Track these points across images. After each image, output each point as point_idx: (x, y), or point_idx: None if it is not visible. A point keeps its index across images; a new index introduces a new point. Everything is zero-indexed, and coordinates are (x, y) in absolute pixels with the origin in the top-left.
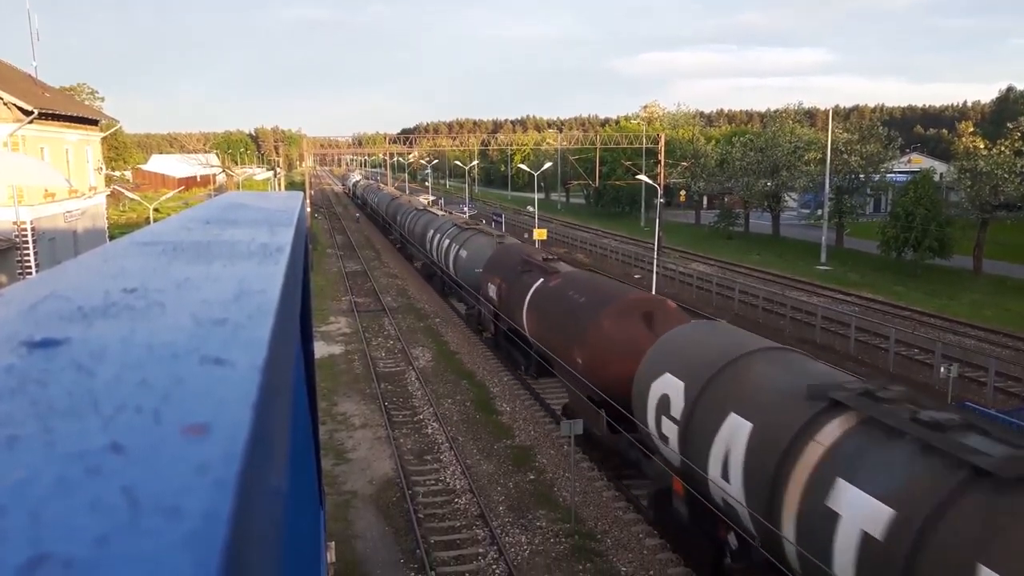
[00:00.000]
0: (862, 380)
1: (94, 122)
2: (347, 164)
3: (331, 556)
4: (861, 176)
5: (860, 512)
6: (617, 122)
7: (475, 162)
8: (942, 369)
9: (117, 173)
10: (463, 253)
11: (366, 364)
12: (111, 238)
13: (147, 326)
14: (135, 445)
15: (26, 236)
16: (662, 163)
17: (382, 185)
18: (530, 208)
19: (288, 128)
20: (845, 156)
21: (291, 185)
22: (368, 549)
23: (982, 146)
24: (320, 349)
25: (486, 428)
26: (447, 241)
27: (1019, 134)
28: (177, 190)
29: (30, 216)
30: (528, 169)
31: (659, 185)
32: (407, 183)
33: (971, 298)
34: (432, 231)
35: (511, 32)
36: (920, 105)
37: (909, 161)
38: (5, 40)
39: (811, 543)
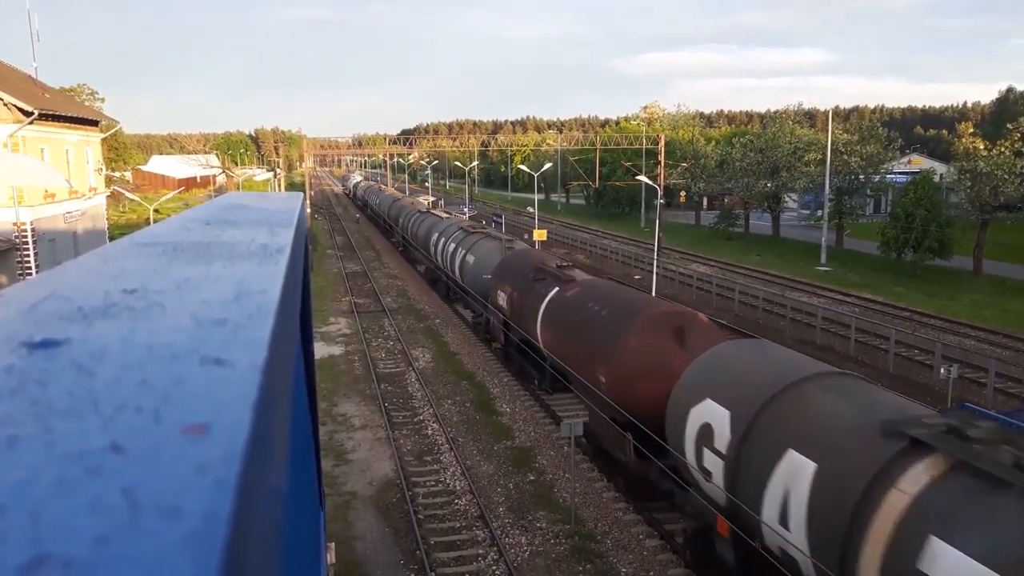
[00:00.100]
0: (939, 412)
1: (94, 123)
2: (347, 165)
3: (331, 557)
4: (861, 177)
5: None
6: (617, 123)
7: (475, 163)
8: (942, 370)
9: (117, 174)
10: (470, 258)
11: (366, 365)
12: (111, 239)
13: (147, 326)
14: (135, 445)
15: (26, 237)
16: (662, 164)
17: (383, 186)
18: (530, 209)
19: (288, 129)
20: (845, 157)
21: (291, 186)
22: (368, 550)
23: (982, 147)
24: (320, 350)
25: (486, 429)
26: (452, 245)
27: (1019, 135)
28: (177, 191)
29: (30, 217)
30: (528, 170)
31: (659, 186)
32: (407, 184)
33: (971, 299)
34: (436, 235)
35: (511, 32)
36: (920, 106)
37: (909, 162)
38: (5, 41)
39: None
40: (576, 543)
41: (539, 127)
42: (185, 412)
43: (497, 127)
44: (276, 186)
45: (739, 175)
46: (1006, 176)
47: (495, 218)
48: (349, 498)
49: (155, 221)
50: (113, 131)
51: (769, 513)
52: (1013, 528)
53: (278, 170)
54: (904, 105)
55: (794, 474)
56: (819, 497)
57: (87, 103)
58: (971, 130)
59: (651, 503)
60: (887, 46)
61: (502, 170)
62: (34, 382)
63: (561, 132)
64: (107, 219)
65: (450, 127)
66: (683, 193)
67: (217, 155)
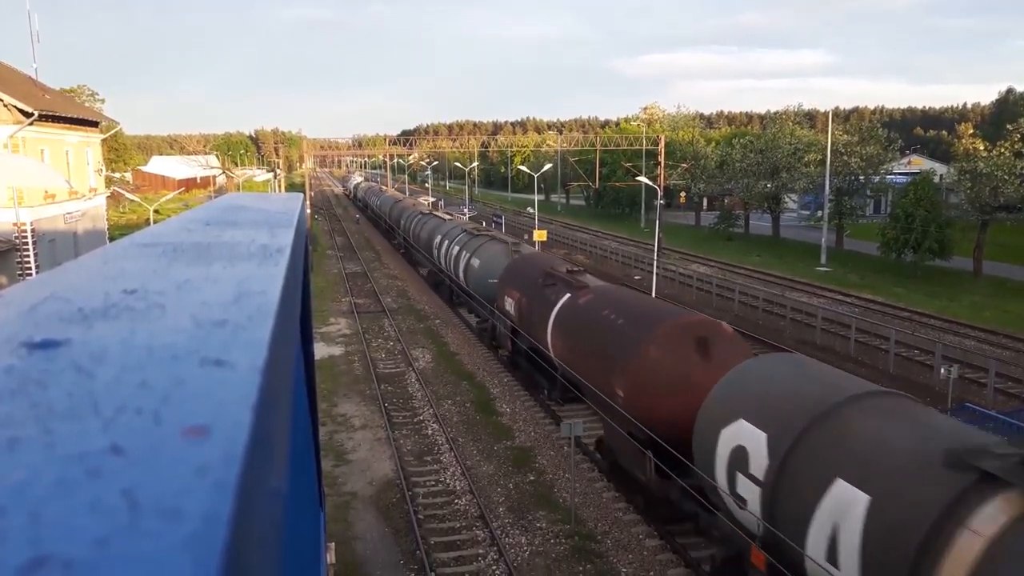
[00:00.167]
0: (1007, 439)
1: (94, 124)
2: (347, 166)
3: (331, 557)
4: (861, 178)
5: None
6: (617, 124)
7: (475, 163)
8: (942, 370)
9: (117, 175)
10: (475, 262)
11: (366, 365)
12: (111, 239)
13: (147, 327)
14: (135, 447)
15: (26, 237)
16: (662, 165)
17: (384, 187)
18: (530, 209)
19: (288, 130)
20: (845, 158)
21: (291, 187)
22: (368, 550)
23: (982, 148)
24: (320, 350)
25: (486, 429)
26: (456, 248)
27: (1019, 135)
28: (177, 191)
29: (30, 217)
30: (528, 171)
31: (659, 187)
32: (407, 185)
33: (971, 299)
34: (440, 237)
35: (511, 32)
36: (920, 107)
37: (909, 163)
38: (5, 41)
39: None
40: (576, 543)
41: (539, 128)
42: (185, 413)
43: (497, 128)
44: (276, 187)
45: (739, 176)
46: (1006, 177)
47: (495, 219)
48: (349, 498)
49: (155, 222)
50: (113, 132)
51: (814, 548)
52: None
53: (278, 171)
54: (904, 106)
55: (844, 507)
56: (875, 534)
57: (87, 104)
58: (971, 131)
59: (673, 525)
60: (887, 47)
61: (502, 171)
62: (34, 383)
63: (561, 133)
64: (107, 220)
65: (450, 128)
66: (683, 194)
67: (217, 156)
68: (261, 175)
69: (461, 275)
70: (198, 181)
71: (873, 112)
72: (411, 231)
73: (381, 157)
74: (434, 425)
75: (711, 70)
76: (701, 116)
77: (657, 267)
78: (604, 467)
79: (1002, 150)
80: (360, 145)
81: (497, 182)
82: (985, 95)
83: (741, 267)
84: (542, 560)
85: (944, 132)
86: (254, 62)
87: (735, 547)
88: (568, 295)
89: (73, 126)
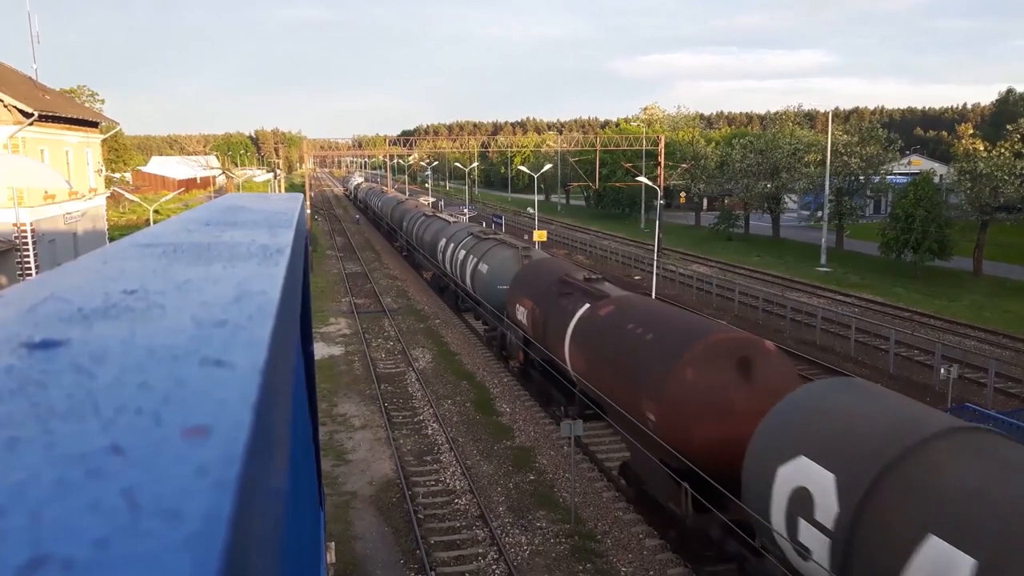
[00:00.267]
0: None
1: (94, 124)
2: (347, 166)
3: (331, 557)
4: (861, 178)
5: None
6: (617, 124)
7: (475, 164)
8: (942, 370)
9: (117, 175)
10: (483, 267)
11: (366, 365)
12: (111, 240)
13: (147, 328)
14: (135, 447)
15: (26, 238)
16: (662, 165)
17: (386, 188)
18: (530, 210)
19: (288, 130)
20: (845, 158)
21: (291, 187)
22: (368, 550)
23: (982, 148)
24: (320, 350)
25: (486, 429)
26: (463, 252)
27: (1019, 136)
28: (177, 192)
29: (30, 218)
30: (528, 171)
31: (659, 187)
32: (407, 185)
33: (971, 299)
34: (444, 240)
35: (511, 33)
36: (920, 107)
37: (909, 163)
38: (5, 42)
39: None
40: (576, 542)
41: (539, 128)
42: (185, 414)
43: (497, 128)
44: (276, 187)
45: (739, 176)
46: (1006, 177)
47: (495, 219)
48: (349, 498)
49: (155, 222)
50: (113, 132)
51: None
52: None
53: (278, 171)
54: (904, 106)
55: (943, 568)
56: None
57: (87, 104)
58: (971, 131)
59: (713, 566)
60: (887, 47)
61: (502, 171)
62: (34, 383)
63: (561, 133)
64: (107, 220)
65: (450, 128)
66: (683, 194)
67: (217, 156)
68: (261, 175)
69: (468, 281)
70: (198, 181)
71: (873, 112)
72: (414, 233)
73: (381, 157)
74: (434, 425)
75: (711, 70)
76: (701, 116)
77: (657, 267)
78: (630, 495)
79: (1002, 150)
80: (360, 145)
81: (497, 182)
82: (985, 95)
83: (741, 267)
84: (542, 560)
85: (944, 132)
86: (254, 62)
87: None
88: (587, 305)
89: (73, 126)
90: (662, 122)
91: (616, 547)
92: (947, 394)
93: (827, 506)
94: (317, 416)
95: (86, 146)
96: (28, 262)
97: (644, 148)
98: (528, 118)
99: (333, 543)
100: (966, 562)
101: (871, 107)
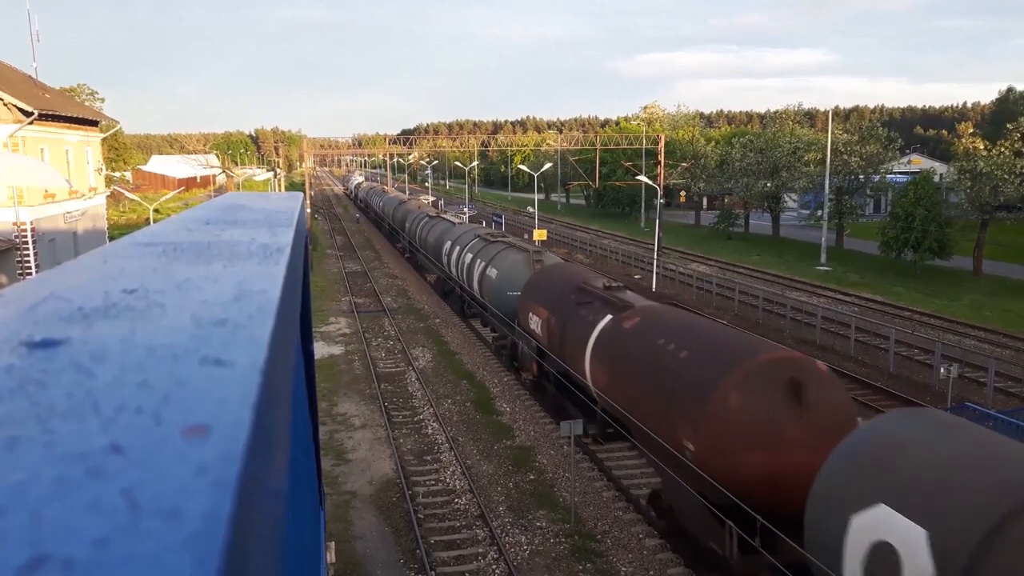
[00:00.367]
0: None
1: (94, 123)
2: (347, 165)
3: (331, 556)
4: (861, 177)
5: None
6: (617, 123)
7: (475, 163)
8: (942, 369)
9: (117, 174)
10: (492, 272)
11: (366, 364)
12: (111, 239)
13: (147, 327)
14: (135, 446)
15: (26, 237)
16: (662, 164)
17: (387, 188)
18: (530, 209)
19: (288, 129)
20: (845, 157)
21: (291, 186)
22: (368, 549)
23: (982, 147)
24: (320, 349)
25: (486, 428)
26: (469, 256)
27: (1019, 135)
28: (177, 191)
29: (30, 217)
30: (528, 170)
31: (659, 186)
32: (407, 184)
33: (971, 298)
34: (450, 243)
35: (511, 32)
36: (920, 106)
37: (909, 162)
38: (5, 41)
39: None
40: (576, 542)
41: (539, 127)
42: (185, 413)
43: (497, 127)
44: (276, 186)
45: (739, 175)
46: (1006, 176)
47: (495, 218)
48: (349, 497)
49: (155, 221)
50: (113, 131)
51: None
52: None
53: (278, 170)
54: (904, 105)
55: None
56: None
57: (87, 103)
58: (971, 130)
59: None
60: (887, 47)
61: (502, 170)
62: (34, 382)
63: (561, 132)
64: (107, 219)
65: (450, 127)
66: (683, 193)
67: (217, 155)
68: (261, 174)
69: (475, 286)
70: (198, 180)
71: (873, 111)
72: (417, 235)
73: (381, 156)
74: (434, 424)
75: (711, 69)
76: (701, 115)
77: (657, 266)
78: (661, 527)
79: (1002, 149)
80: (360, 144)
81: (497, 181)
82: (985, 94)
83: (741, 266)
84: (542, 559)
85: (944, 131)
86: (254, 61)
87: None
88: (609, 316)
89: (73, 125)
90: (662, 121)
91: (616, 547)
92: (947, 393)
93: (919, 568)
94: (317, 415)
95: (86, 145)
96: (28, 261)
97: (644, 147)
98: (528, 117)
99: (333, 542)
100: None
101: (871, 106)
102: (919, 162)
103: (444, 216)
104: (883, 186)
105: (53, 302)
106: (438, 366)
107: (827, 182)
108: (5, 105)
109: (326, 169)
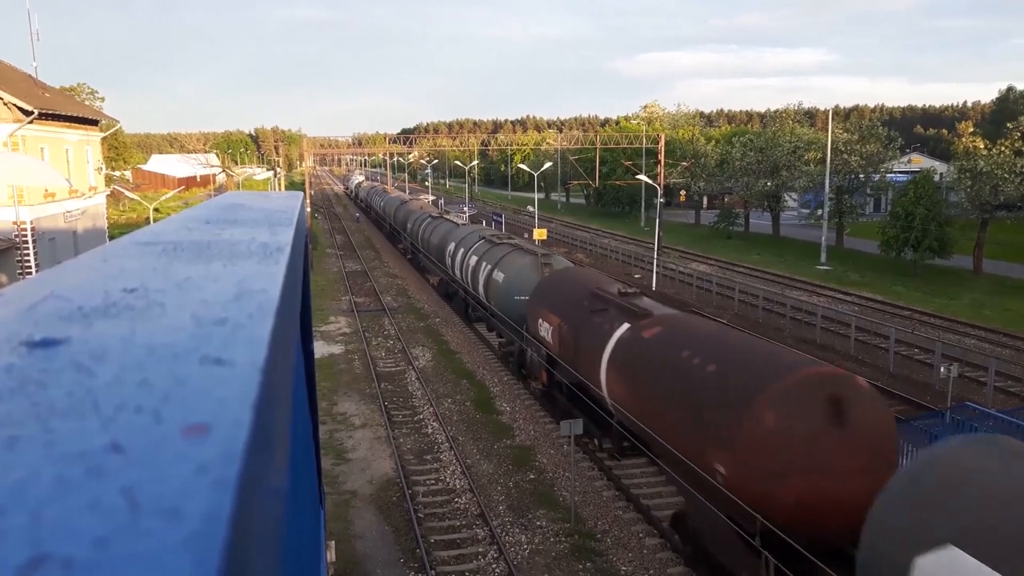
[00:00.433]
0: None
1: (94, 122)
2: (347, 164)
3: (331, 555)
4: (861, 176)
5: None
6: (617, 122)
7: (475, 162)
8: (942, 369)
9: (117, 173)
10: (498, 276)
11: (366, 364)
12: (111, 238)
13: (147, 326)
14: (135, 445)
15: (26, 236)
16: (662, 163)
17: (388, 187)
18: (530, 208)
19: (288, 128)
20: (845, 156)
21: (291, 185)
22: (368, 548)
23: (982, 146)
24: (320, 349)
25: (486, 428)
26: (474, 258)
27: (1019, 134)
28: (177, 190)
29: (30, 216)
30: (528, 169)
31: (659, 185)
32: (407, 183)
33: (971, 298)
34: (453, 244)
35: (511, 32)
36: (920, 105)
37: (909, 161)
38: (5, 40)
39: None
40: (576, 541)
41: (539, 126)
42: (185, 412)
43: (497, 126)
44: (276, 185)
45: (739, 174)
46: (1006, 175)
47: (495, 217)
48: (349, 497)
49: (155, 220)
50: (113, 130)
51: None
52: None
53: (278, 169)
54: (904, 104)
55: None
56: None
57: (87, 102)
58: (971, 129)
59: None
60: (887, 46)
61: (502, 169)
62: (34, 382)
63: (561, 131)
64: (107, 218)
65: (450, 126)
66: (683, 192)
67: (217, 154)
68: (261, 173)
69: (481, 289)
70: (198, 179)
71: (873, 110)
72: (419, 236)
73: (381, 155)
74: (434, 424)
75: (711, 69)
76: (701, 114)
77: (657, 266)
78: (687, 554)
79: (1002, 148)
80: (360, 143)
81: (497, 180)
82: (985, 94)
83: (741, 265)
84: (542, 558)
85: (944, 130)
86: (254, 61)
87: None
88: (627, 325)
89: (73, 124)
90: (662, 120)
91: (616, 546)
92: (947, 393)
93: None
94: (317, 414)
95: (86, 144)
96: (28, 260)
97: (644, 146)
98: (528, 116)
99: (333, 542)
100: None
101: (871, 105)
102: (919, 161)
103: (447, 217)
104: (883, 185)
105: (53, 301)
106: (438, 365)
107: (827, 181)
108: (5, 104)
109: (326, 168)
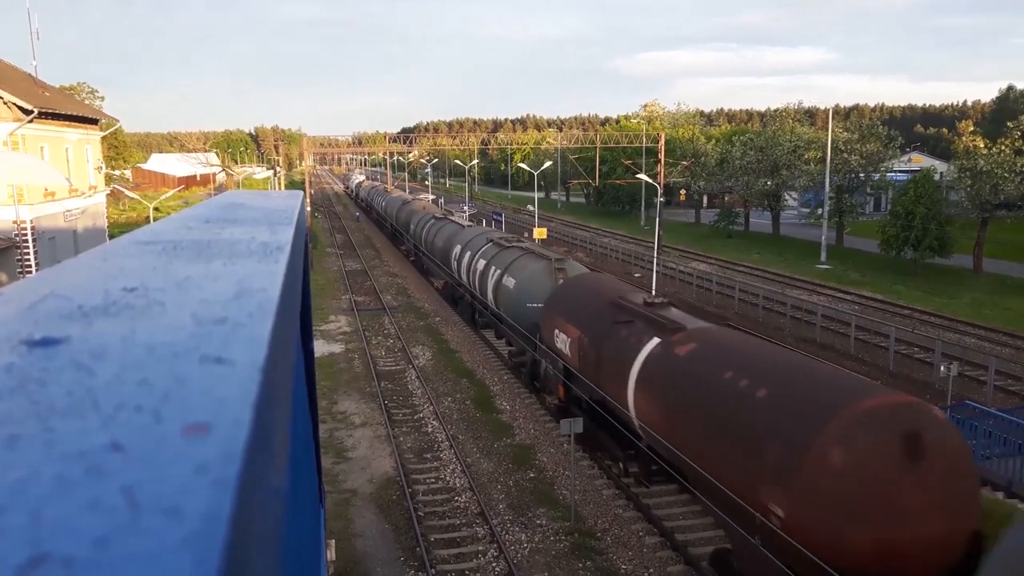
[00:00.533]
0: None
1: (94, 121)
2: (347, 163)
3: (331, 554)
4: (861, 175)
5: None
6: (617, 121)
7: (475, 161)
8: (942, 368)
9: (117, 172)
10: (509, 281)
11: (366, 363)
12: (111, 237)
13: (147, 325)
14: (135, 445)
15: (26, 235)
16: (662, 162)
17: (389, 187)
18: (530, 207)
19: (288, 127)
20: (845, 155)
21: (291, 184)
22: (368, 547)
23: (982, 145)
24: (320, 348)
25: (486, 426)
26: (482, 262)
27: (1019, 133)
28: (177, 189)
29: (30, 215)
30: (528, 168)
31: (659, 184)
32: (407, 182)
33: (971, 297)
34: (459, 247)
35: (511, 31)
36: (920, 104)
37: (909, 160)
38: (5, 39)
39: None
40: (576, 540)
41: (539, 125)
42: (185, 411)
43: (497, 125)
44: (276, 184)
45: (739, 173)
46: (1006, 174)
47: (495, 216)
48: (349, 495)
49: (155, 219)
50: (113, 129)
51: None
52: None
53: (278, 168)
54: (904, 103)
55: None
56: None
57: (87, 101)
58: (971, 128)
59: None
60: (887, 45)
61: (502, 168)
62: (34, 381)
63: (561, 130)
64: (107, 217)
65: (450, 125)
66: (683, 191)
67: (217, 153)
68: (261, 173)
69: (490, 295)
70: (198, 179)
71: (873, 109)
72: (423, 238)
73: (381, 155)
74: (434, 422)
75: (711, 68)
76: (701, 113)
77: (657, 265)
78: None
79: (1002, 147)
80: (360, 143)
81: (497, 180)
82: (985, 93)
83: (741, 264)
84: (542, 557)
85: (944, 130)
86: (254, 60)
87: None
88: (656, 340)
89: (73, 123)
90: (662, 119)
91: (616, 545)
92: (947, 392)
93: None
94: (317, 413)
95: (86, 143)
96: (28, 259)
97: (644, 145)
98: (528, 115)
99: (333, 540)
100: None
101: (871, 104)
102: (919, 160)
103: (452, 219)
104: (883, 184)
105: (53, 300)
106: (438, 364)
107: (827, 180)
108: (5, 103)
109: (326, 167)
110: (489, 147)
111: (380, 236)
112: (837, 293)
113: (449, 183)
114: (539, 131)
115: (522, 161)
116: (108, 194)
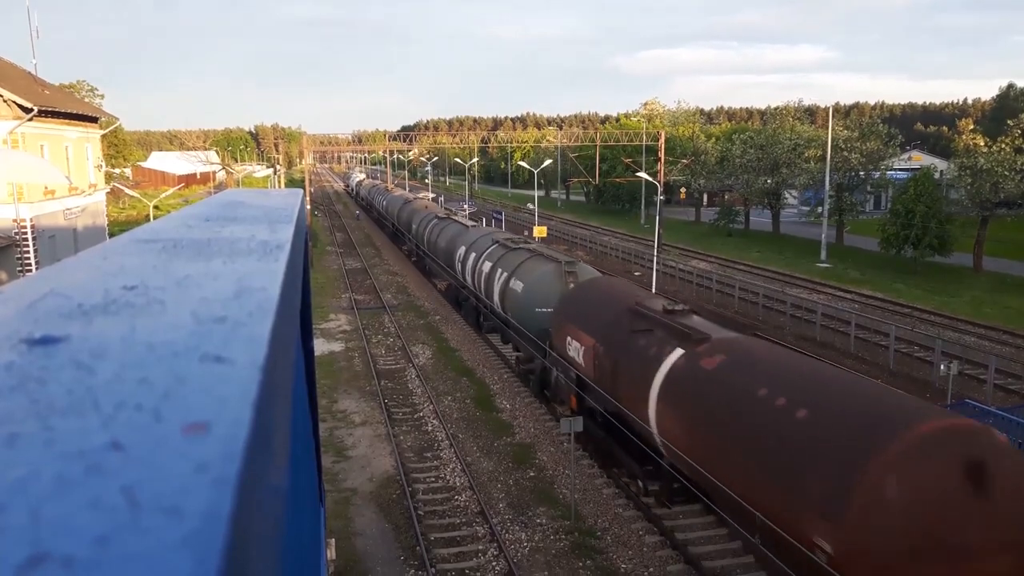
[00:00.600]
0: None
1: (94, 119)
2: (347, 161)
3: (331, 553)
4: (861, 173)
5: None
6: (617, 119)
7: (475, 159)
8: (942, 366)
9: (117, 170)
10: (516, 285)
11: (366, 361)
12: (111, 235)
13: (147, 324)
14: (135, 444)
15: (26, 233)
16: (662, 160)
17: (389, 186)
18: (530, 205)
19: (288, 125)
20: (845, 153)
21: (291, 183)
22: (368, 546)
23: (982, 143)
24: (320, 346)
25: (486, 425)
26: (488, 264)
27: (1019, 131)
28: (177, 187)
29: (30, 213)
30: (528, 166)
31: (659, 182)
32: (407, 180)
33: (971, 295)
34: (464, 248)
35: (511, 30)
36: (920, 102)
37: (909, 158)
38: (5, 37)
39: None
40: (576, 539)
41: (539, 123)
42: (185, 410)
43: (497, 123)
44: (276, 183)
45: (739, 172)
46: (1006, 173)
47: (495, 215)
48: (349, 494)
49: (155, 218)
50: (113, 127)
51: None
52: None
53: (278, 166)
54: (904, 101)
55: None
56: None
57: (87, 99)
58: (971, 127)
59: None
60: (888, 43)
61: (502, 167)
62: (33, 380)
63: (561, 129)
64: (107, 216)
65: (450, 123)
66: (683, 190)
67: (217, 152)
68: (261, 171)
69: (496, 299)
70: (198, 177)
71: (873, 108)
72: (425, 238)
73: (381, 153)
74: (434, 421)
75: (712, 66)
76: (701, 112)
77: (657, 263)
78: None
79: (1002, 146)
80: (360, 141)
81: (497, 178)
82: (986, 91)
83: (741, 263)
84: (542, 556)
85: (944, 128)
86: (254, 58)
87: None
88: (680, 351)
89: (73, 122)
90: (662, 117)
91: (616, 544)
92: (947, 390)
93: None
94: (317, 412)
95: (86, 141)
96: (28, 258)
97: (644, 143)
98: (528, 113)
99: (333, 539)
100: None
101: (872, 102)
102: (919, 159)
103: (456, 218)
104: (883, 183)
105: (53, 299)
106: (438, 363)
107: (827, 179)
108: (5, 101)
109: (326, 166)
110: (489, 145)
111: (380, 234)
112: (837, 291)
113: (449, 181)
114: (539, 129)
115: (522, 159)
116: (108, 192)
